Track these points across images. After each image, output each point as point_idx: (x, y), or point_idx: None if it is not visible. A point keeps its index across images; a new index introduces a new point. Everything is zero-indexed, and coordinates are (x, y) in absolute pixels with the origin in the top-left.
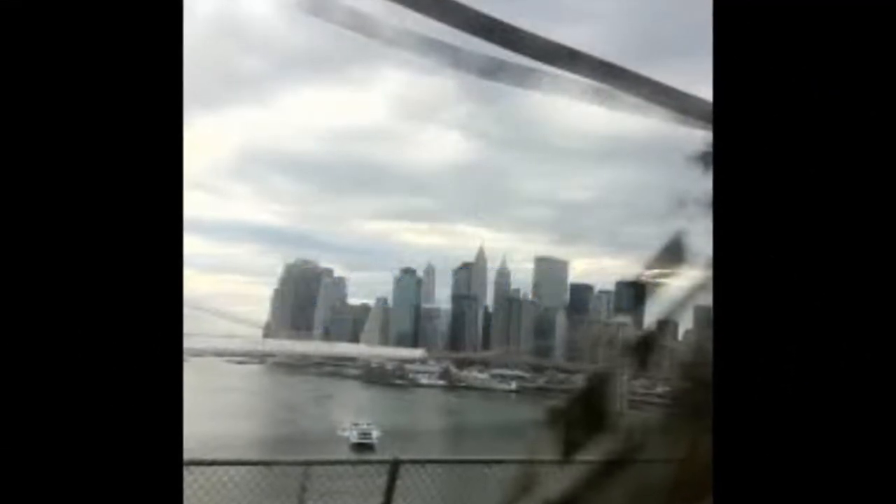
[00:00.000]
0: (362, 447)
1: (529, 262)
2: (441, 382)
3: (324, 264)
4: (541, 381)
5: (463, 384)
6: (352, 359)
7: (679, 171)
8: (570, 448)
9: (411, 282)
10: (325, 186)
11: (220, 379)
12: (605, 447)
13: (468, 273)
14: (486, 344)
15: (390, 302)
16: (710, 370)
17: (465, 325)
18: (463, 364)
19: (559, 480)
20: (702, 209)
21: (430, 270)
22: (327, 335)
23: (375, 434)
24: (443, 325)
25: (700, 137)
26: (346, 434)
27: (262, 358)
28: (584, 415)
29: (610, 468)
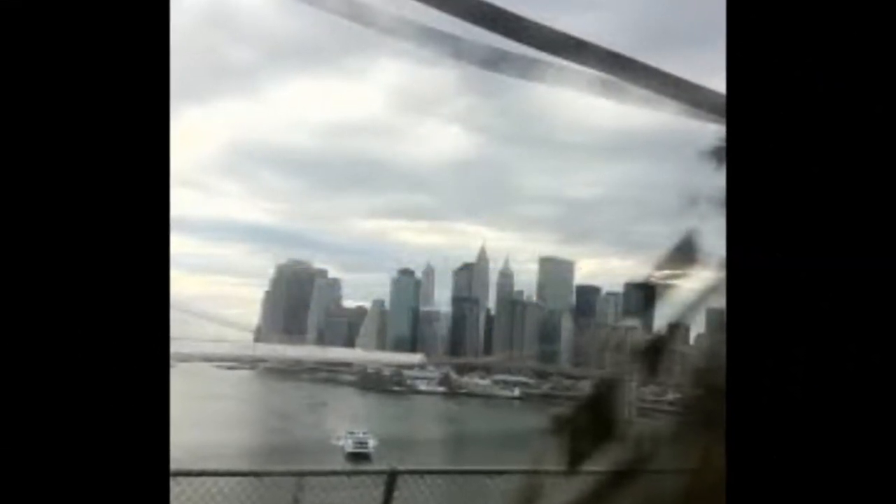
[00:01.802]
0: (358, 457)
1: (533, 262)
2: (441, 389)
3: (317, 265)
4: (545, 388)
5: (464, 391)
6: (347, 364)
7: (691, 167)
8: (576, 458)
9: (409, 283)
10: (318, 183)
11: (208, 385)
12: (613, 457)
13: (469, 274)
14: (487, 348)
15: (387, 304)
16: (724, 376)
17: (466, 329)
18: (464, 370)
19: (565, 492)
20: (714, 207)
21: (429, 271)
22: (321, 339)
23: (372, 443)
24: (443, 328)
25: (713, 132)
26: (342, 443)
27: (252, 363)
28: (590, 423)
29: (618, 479)
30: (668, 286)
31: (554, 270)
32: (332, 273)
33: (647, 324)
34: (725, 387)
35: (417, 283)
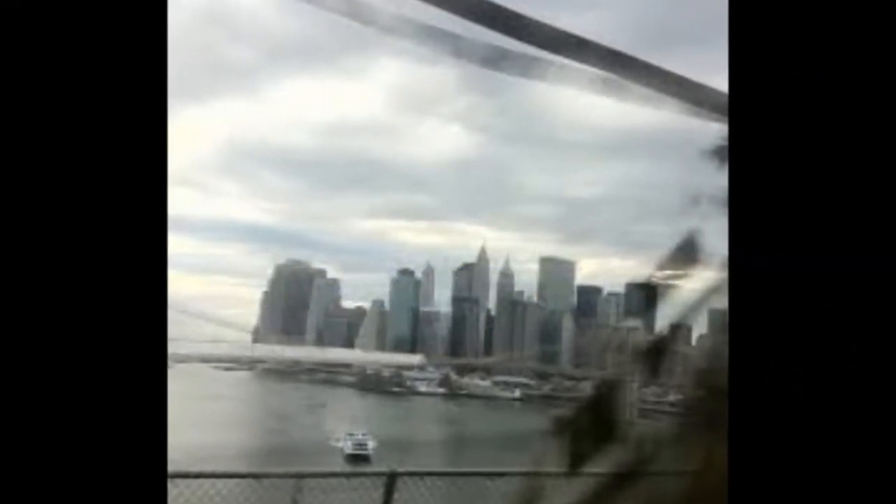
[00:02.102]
0: (357, 459)
1: (534, 262)
2: (441, 390)
3: (316, 265)
4: (546, 389)
5: (464, 392)
6: (346, 365)
7: (693, 167)
8: (577, 460)
9: (409, 283)
10: (318, 183)
11: (206, 386)
12: (615, 459)
13: (469, 274)
14: (488, 349)
15: (387, 305)
16: (726, 377)
17: (466, 330)
18: (464, 371)
19: (565, 494)
20: (717, 206)
21: (429, 271)
22: (320, 340)
23: (371, 445)
24: (442, 329)
25: (715, 130)
26: (341, 445)
27: (251, 364)
28: (591, 424)
29: (619, 481)
30: (669, 286)
31: (554, 270)
32: (332, 273)
33: (649, 324)
34: (728, 387)
35: (417, 284)
